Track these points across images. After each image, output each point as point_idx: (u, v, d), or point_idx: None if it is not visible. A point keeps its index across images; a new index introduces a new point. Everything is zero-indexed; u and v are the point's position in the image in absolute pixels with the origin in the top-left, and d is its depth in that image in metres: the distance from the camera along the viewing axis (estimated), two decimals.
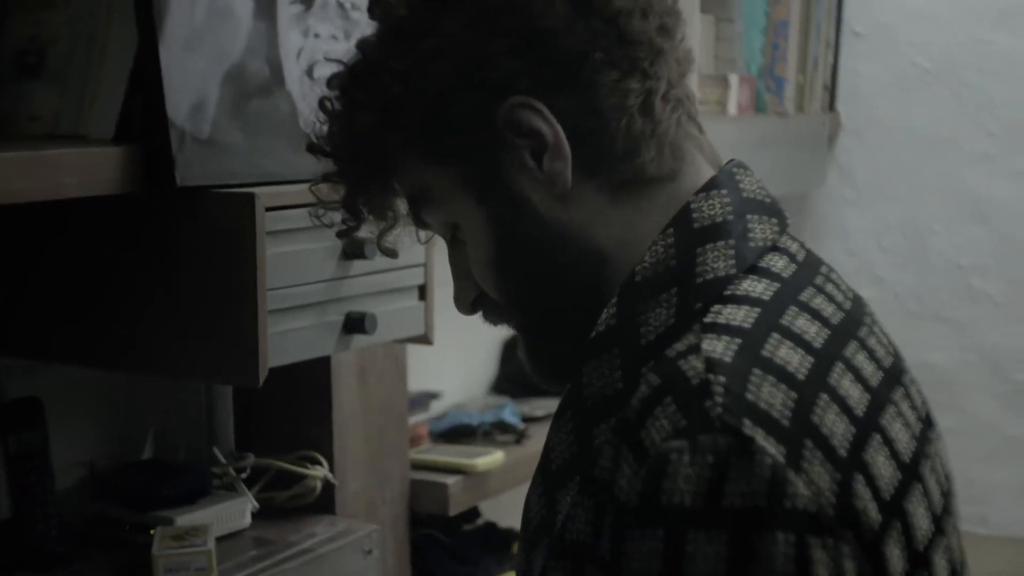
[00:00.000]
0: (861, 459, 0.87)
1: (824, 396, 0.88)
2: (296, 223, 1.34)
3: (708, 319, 0.90)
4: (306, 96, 1.41)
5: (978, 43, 2.84)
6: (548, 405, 2.20)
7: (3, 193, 1.15)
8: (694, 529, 0.81)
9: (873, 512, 0.86)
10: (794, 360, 0.89)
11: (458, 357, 2.27)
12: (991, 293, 2.86)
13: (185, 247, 1.34)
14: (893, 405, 0.94)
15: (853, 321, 0.98)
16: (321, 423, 1.77)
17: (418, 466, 1.98)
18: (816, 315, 0.94)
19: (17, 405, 1.53)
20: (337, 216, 1.06)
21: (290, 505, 1.73)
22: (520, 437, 2.12)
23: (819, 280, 0.98)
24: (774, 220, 0.98)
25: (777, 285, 0.94)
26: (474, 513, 2.15)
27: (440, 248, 1.14)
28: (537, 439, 2.08)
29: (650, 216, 0.97)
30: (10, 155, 1.16)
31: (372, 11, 1.01)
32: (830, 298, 0.97)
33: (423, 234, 1.09)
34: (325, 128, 1.03)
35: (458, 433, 2.12)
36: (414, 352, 1.93)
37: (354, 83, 1.00)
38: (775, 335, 0.90)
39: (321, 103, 1.03)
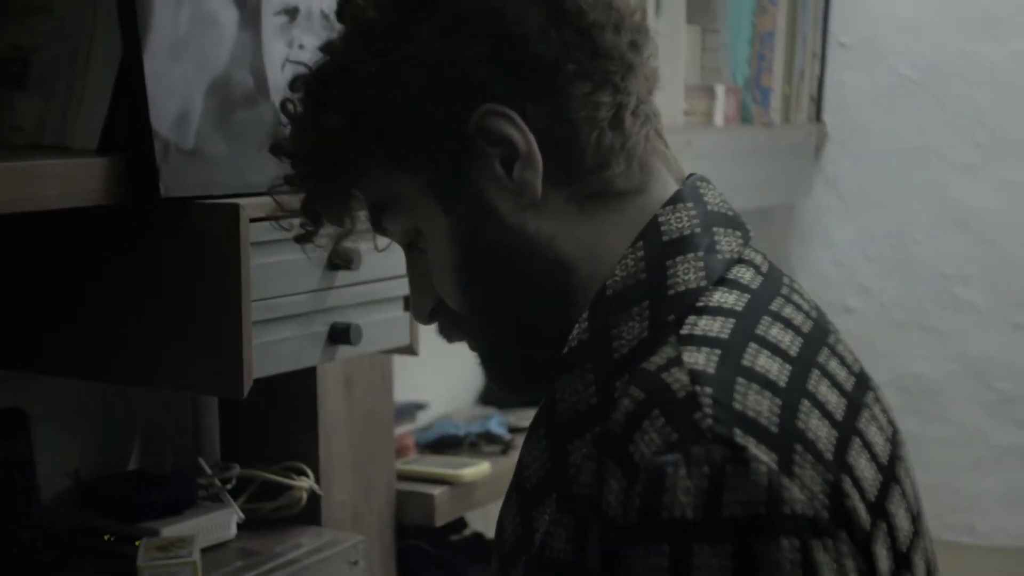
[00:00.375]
0: (846, 462, 0.88)
1: (806, 402, 0.88)
2: (280, 234, 1.34)
3: (684, 331, 0.91)
4: None
5: (963, 53, 2.85)
6: None
7: None
8: (698, 542, 0.82)
9: (863, 512, 0.87)
10: (773, 368, 0.89)
11: (444, 368, 2.26)
12: (975, 302, 2.87)
13: (170, 258, 1.34)
14: (867, 409, 0.95)
15: (821, 329, 0.98)
16: (307, 433, 1.77)
17: (404, 477, 1.97)
18: (788, 324, 0.95)
19: (1, 417, 1.52)
20: (296, 221, 1.05)
21: (276, 516, 1.72)
22: (506, 448, 2.12)
23: (784, 291, 0.99)
24: (738, 233, 0.99)
25: (748, 296, 0.94)
26: (461, 524, 2.15)
27: None
28: None
29: (618, 229, 0.97)
30: None
31: (341, 13, 1.00)
32: (797, 307, 0.98)
33: (381, 241, 1.07)
34: (287, 131, 1.02)
35: (444, 444, 2.12)
36: (400, 363, 1.93)
37: (322, 86, 0.99)
38: (753, 344, 0.90)
39: (283, 105, 1.02)
